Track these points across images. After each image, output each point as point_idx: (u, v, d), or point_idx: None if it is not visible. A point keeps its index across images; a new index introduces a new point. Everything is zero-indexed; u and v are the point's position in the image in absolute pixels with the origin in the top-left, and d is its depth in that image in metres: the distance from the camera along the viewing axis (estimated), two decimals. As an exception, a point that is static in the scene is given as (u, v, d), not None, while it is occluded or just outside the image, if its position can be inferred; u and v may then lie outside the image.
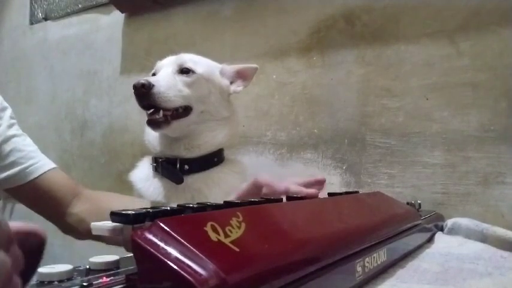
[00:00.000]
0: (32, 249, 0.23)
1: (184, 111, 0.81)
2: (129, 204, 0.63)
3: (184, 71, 0.82)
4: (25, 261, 0.21)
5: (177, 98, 0.78)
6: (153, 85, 0.75)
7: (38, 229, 0.23)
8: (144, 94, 0.75)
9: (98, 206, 0.70)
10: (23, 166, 0.70)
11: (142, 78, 0.76)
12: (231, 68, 0.88)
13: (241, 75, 0.89)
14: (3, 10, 1.84)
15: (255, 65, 0.89)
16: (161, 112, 0.77)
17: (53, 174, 0.72)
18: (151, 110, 0.78)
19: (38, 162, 0.72)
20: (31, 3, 1.74)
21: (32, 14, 1.74)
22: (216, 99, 0.84)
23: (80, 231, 0.70)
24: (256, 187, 0.56)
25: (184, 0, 1.30)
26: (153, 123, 0.78)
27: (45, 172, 0.71)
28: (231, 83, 0.88)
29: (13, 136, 0.71)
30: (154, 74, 0.84)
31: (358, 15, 1.03)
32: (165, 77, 0.80)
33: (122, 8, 1.42)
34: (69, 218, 0.71)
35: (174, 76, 0.81)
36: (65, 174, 0.76)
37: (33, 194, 0.71)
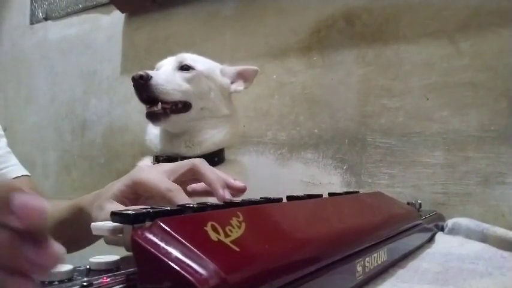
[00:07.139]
0: None
1: (184, 107, 0.81)
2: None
3: (184, 67, 0.83)
4: None
5: (175, 92, 0.79)
6: (151, 77, 0.76)
7: None
8: (142, 86, 0.76)
9: None
10: None
11: (141, 71, 0.77)
12: (231, 68, 0.89)
13: (241, 76, 0.89)
14: (3, 10, 1.84)
15: (255, 67, 0.90)
16: (159, 104, 0.77)
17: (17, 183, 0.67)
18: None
19: (3, 169, 0.66)
20: (31, 3, 1.74)
21: (32, 14, 1.74)
22: (216, 96, 0.85)
23: None
24: (192, 173, 0.44)
25: (184, 0, 1.30)
26: (152, 116, 0.78)
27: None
28: (232, 82, 0.89)
29: None
30: None
31: (358, 15, 1.03)
32: (164, 71, 0.81)
33: (122, 8, 1.42)
34: None
35: (173, 72, 0.82)
36: (31, 184, 0.69)
37: None
